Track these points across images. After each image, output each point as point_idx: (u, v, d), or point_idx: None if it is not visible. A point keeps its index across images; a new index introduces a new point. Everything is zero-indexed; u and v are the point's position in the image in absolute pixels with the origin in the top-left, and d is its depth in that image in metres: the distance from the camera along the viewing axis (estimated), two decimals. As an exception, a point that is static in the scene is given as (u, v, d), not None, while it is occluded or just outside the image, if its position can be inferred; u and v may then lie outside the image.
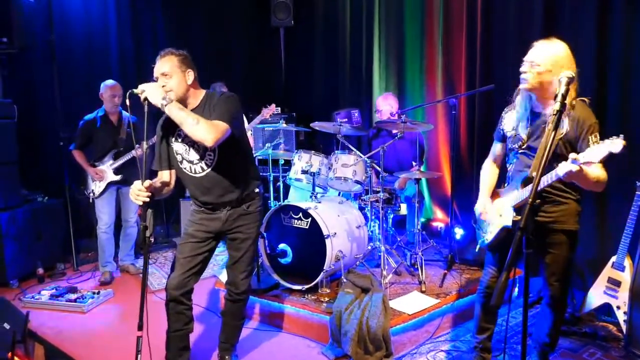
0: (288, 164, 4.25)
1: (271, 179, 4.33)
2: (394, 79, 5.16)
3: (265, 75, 6.17)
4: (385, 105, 4.30)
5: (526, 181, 2.22)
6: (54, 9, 4.63)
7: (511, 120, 2.37)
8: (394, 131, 3.64)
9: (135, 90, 2.23)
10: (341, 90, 5.69)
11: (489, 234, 2.45)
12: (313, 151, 3.79)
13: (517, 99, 2.32)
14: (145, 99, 2.21)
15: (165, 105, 2.20)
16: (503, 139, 2.47)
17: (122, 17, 5.24)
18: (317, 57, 5.98)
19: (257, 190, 2.58)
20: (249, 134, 4.51)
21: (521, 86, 2.22)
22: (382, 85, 5.25)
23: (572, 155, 1.85)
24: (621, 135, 1.74)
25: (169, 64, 2.30)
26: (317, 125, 3.78)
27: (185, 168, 2.46)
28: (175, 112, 2.22)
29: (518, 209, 2.26)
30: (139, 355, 2.18)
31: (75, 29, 4.94)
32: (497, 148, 2.55)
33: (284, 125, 4.33)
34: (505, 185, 2.46)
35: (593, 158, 1.80)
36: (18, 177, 4.18)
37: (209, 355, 2.92)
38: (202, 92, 2.44)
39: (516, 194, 2.27)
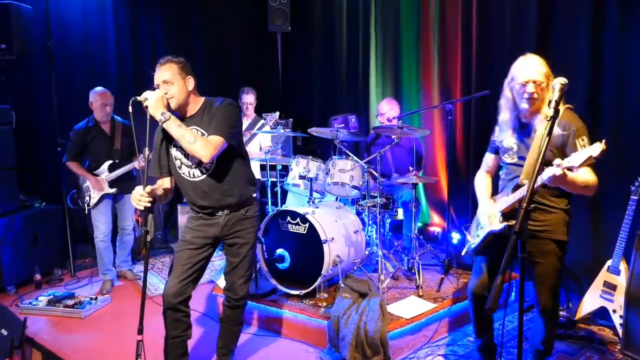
0: (286, 169, 4.27)
1: (269, 184, 4.34)
2: (390, 84, 5.19)
3: (263, 81, 6.18)
4: (389, 109, 4.32)
5: (516, 188, 2.25)
6: (52, 15, 4.65)
7: (502, 132, 2.39)
8: (392, 137, 3.66)
9: (138, 98, 2.27)
10: (338, 96, 5.72)
11: (476, 239, 2.48)
12: (310, 156, 3.81)
13: (503, 111, 2.34)
14: (147, 106, 2.26)
15: (164, 122, 2.27)
16: (496, 150, 2.50)
17: (120, 24, 5.26)
18: (315, 63, 6.01)
19: (254, 195, 2.60)
20: (255, 138, 4.51)
21: (530, 107, 2.21)
22: (379, 91, 5.28)
23: (556, 161, 1.89)
24: (603, 140, 1.74)
25: (170, 71, 2.34)
26: (314, 130, 3.80)
27: (183, 173, 2.48)
28: (173, 128, 2.28)
29: (506, 214, 2.28)
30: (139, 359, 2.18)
31: (74, 34, 4.96)
32: (489, 159, 2.58)
33: (282, 130, 4.35)
34: (499, 193, 2.48)
35: (574, 162, 1.83)
36: (16, 182, 4.19)
37: (207, 360, 2.93)
38: (201, 99, 2.48)
39: (505, 199, 2.31)
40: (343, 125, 4.71)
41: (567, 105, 2.24)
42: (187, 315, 2.55)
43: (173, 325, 2.51)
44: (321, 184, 3.72)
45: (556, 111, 1.74)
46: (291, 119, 5.48)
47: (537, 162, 1.68)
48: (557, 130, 2.16)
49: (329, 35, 5.76)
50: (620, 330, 2.91)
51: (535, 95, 2.18)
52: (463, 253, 2.67)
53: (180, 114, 2.41)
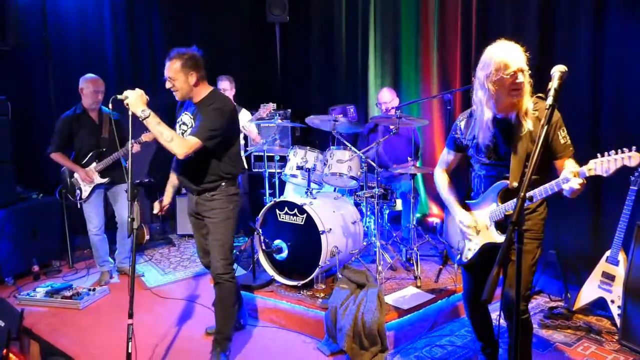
0: (283, 160, 4.25)
1: (266, 175, 4.32)
2: (389, 74, 5.15)
3: (261, 72, 6.15)
4: (390, 99, 4.29)
5: (504, 193, 2.12)
6: (48, 5, 4.60)
7: (472, 129, 2.20)
8: (391, 127, 3.64)
9: (119, 96, 2.36)
10: (337, 86, 5.69)
11: (469, 251, 2.30)
12: (308, 147, 3.79)
13: (484, 108, 2.10)
14: (128, 104, 2.35)
15: (144, 119, 2.37)
16: (459, 148, 2.34)
17: (117, 14, 5.20)
18: (313, 53, 5.97)
19: (223, 183, 2.66)
20: (254, 129, 4.51)
21: (517, 99, 2.03)
22: (378, 81, 5.24)
23: (574, 170, 1.80)
24: (634, 148, 1.68)
25: (173, 68, 2.51)
26: (311, 120, 3.77)
27: None
28: (152, 125, 2.40)
29: (501, 223, 2.15)
30: (130, 343, 2.27)
31: (70, 25, 4.91)
32: (451, 157, 2.41)
33: (280, 121, 4.33)
34: (472, 195, 2.34)
35: (603, 172, 1.72)
36: (13, 174, 4.16)
37: (207, 353, 2.92)
38: (207, 90, 2.62)
39: (494, 208, 2.16)
40: (341, 115, 4.68)
41: (539, 95, 2.09)
42: None
43: None
44: (319, 175, 3.71)
45: (555, 99, 1.71)
46: (289, 110, 5.45)
47: (534, 158, 1.63)
48: (537, 123, 2.04)
49: (328, 25, 5.71)
50: (618, 321, 2.91)
51: (522, 86, 2.00)
52: (456, 267, 2.58)
53: (190, 101, 2.62)
